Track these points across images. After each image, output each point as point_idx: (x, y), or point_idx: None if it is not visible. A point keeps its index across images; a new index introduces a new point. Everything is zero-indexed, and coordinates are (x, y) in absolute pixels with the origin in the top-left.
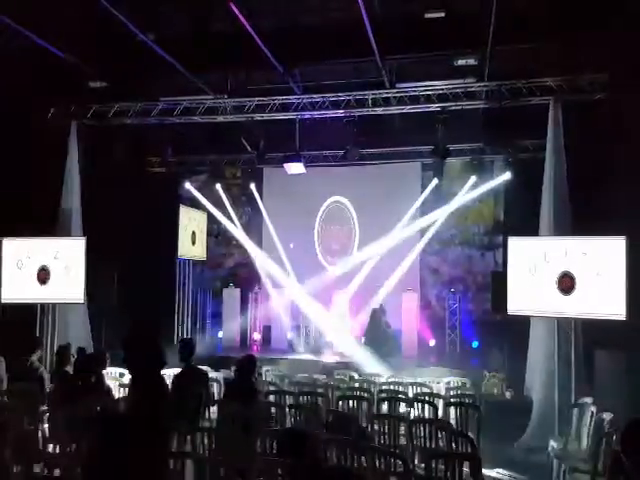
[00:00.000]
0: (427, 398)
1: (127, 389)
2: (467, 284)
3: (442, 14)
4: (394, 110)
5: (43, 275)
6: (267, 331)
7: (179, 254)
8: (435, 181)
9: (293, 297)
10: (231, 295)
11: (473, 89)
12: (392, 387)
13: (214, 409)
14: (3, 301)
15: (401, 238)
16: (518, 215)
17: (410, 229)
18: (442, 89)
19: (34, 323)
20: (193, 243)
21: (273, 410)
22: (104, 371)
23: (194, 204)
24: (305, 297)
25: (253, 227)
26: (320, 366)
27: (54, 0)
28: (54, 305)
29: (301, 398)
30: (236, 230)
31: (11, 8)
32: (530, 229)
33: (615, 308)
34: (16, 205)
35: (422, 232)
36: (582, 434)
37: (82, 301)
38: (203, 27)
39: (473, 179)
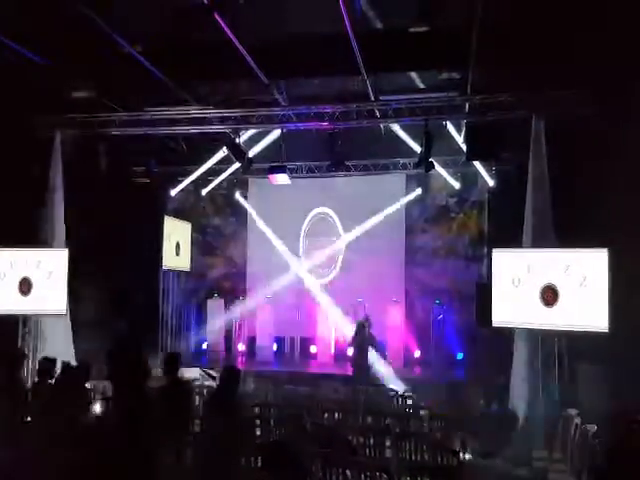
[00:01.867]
0: (412, 411)
1: (110, 402)
2: (452, 295)
3: (426, 28)
4: (378, 122)
5: (25, 286)
6: (252, 342)
7: (163, 265)
8: (418, 191)
9: (279, 308)
10: (215, 306)
11: (456, 102)
12: (377, 399)
13: (198, 422)
14: None
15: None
16: (502, 226)
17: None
18: (426, 102)
19: (16, 335)
20: (177, 254)
21: (258, 423)
22: (87, 384)
23: (178, 214)
24: (290, 308)
25: (238, 238)
26: (305, 377)
27: (40, 11)
28: (36, 316)
29: (286, 411)
30: (221, 240)
31: None
32: (514, 240)
33: (598, 320)
34: None
35: (409, 243)
36: (567, 446)
37: (64, 312)
38: (189, 38)
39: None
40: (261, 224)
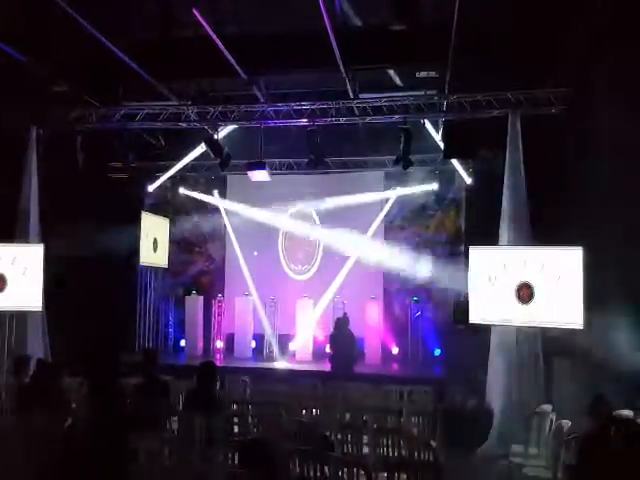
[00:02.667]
0: (390, 407)
1: (86, 399)
2: (430, 292)
3: (405, 27)
4: (357, 120)
5: (0, 283)
6: (230, 339)
7: (141, 261)
8: (397, 190)
9: (256, 305)
10: (194, 303)
11: (434, 101)
12: (355, 396)
13: (175, 419)
14: None
15: (363, 245)
16: (479, 224)
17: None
18: (404, 100)
19: None
20: (155, 250)
21: (236, 420)
22: (63, 381)
23: (156, 210)
24: (269, 305)
25: (216, 234)
26: (283, 374)
27: (17, 3)
28: (11, 313)
29: (264, 408)
30: (199, 237)
31: None
32: (491, 238)
33: (573, 317)
34: None
35: (387, 240)
36: (542, 441)
37: (40, 309)
38: (167, 33)
39: (434, 186)
40: (239, 220)
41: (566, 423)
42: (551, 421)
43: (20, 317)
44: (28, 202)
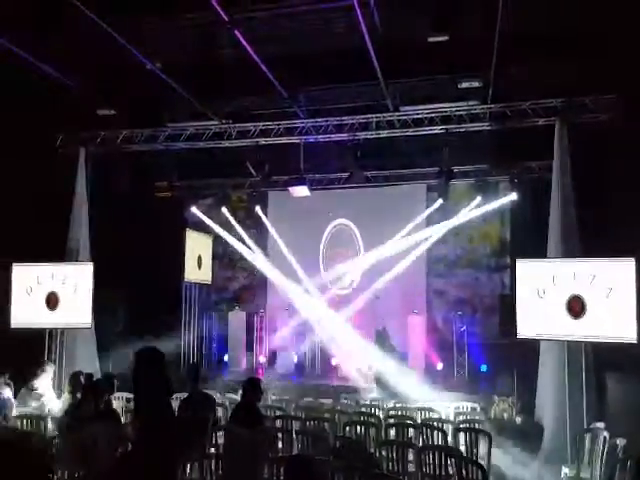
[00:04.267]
0: (436, 424)
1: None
2: (474, 306)
3: (446, 37)
4: (398, 133)
5: (52, 300)
6: (273, 354)
7: (185, 278)
8: (439, 202)
9: (299, 320)
10: (237, 318)
11: (477, 111)
12: (399, 412)
13: (220, 434)
14: (13, 326)
15: (406, 260)
16: (524, 236)
17: (414, 250)
18: (446, 112)
19: (42, 348)
20: (199, 267)
21: (280, 435)
22: (112, 396)
23: (200, 228)
24: (311, 320)
25: (259, 250)
26: (326, 390)
27: (62, 31)
28: (62, 330)
29: (308, 423)
30: (245, 251)
31: (21, 37)
32: (537, 250)
33: (626, 331)
34: (26, 231)
35: (427, 252)
36: (595, 461)
37: (89, 326)
38: (208, 54)
39: (478, 199)
40: (279, 237)
41: (621, 441)
42: (604, 439)
43: (70, 333)
44: (78, 221)
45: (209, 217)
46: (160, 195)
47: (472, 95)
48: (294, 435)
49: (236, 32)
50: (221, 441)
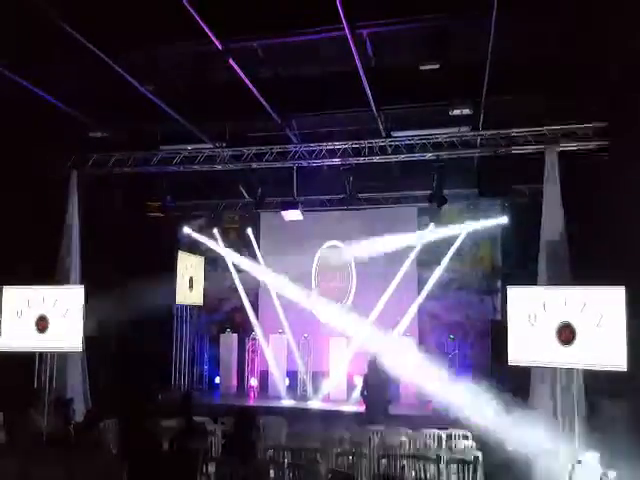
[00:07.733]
0: (428, 454)
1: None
2: (466, 330)
3: (437, 65)
4: (390, 158)
5: (42, 324)
6: (264, 376)
7: (177, 301)
8: (431, 226)
9: (290, 342)
10: (228, 340)
11: (468, 138)
12: (392, 441)
13: (213, 464)
14: (1, 349)
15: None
16: (515, 260)
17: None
18: (437, 138)
19: (32, 373)
20: (190, 289)
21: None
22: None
23: (191, 249)
24: (302, 342)
25: (250, 271)
26: (318, 414)
27: (54, 53)
28: (52, 354)
29: (299, 454)
30: (237, 273)
31: (13, 61)
32: (528, 274)
33: (616, 359)
34: (16, 253)
35: (421, 276)
36: None
37: (80, 349)
38: (201, 77)
39: (469, 224)
40: (271, 257)
41: (612, 473)
42: (597, 472)
43: (61, 356)
44: (70, 245)
45: (200, 239)
46: (152, 215)
47: (463, 121)
48: (285, 465)
49: (230, 61)
50: (212, 470)
